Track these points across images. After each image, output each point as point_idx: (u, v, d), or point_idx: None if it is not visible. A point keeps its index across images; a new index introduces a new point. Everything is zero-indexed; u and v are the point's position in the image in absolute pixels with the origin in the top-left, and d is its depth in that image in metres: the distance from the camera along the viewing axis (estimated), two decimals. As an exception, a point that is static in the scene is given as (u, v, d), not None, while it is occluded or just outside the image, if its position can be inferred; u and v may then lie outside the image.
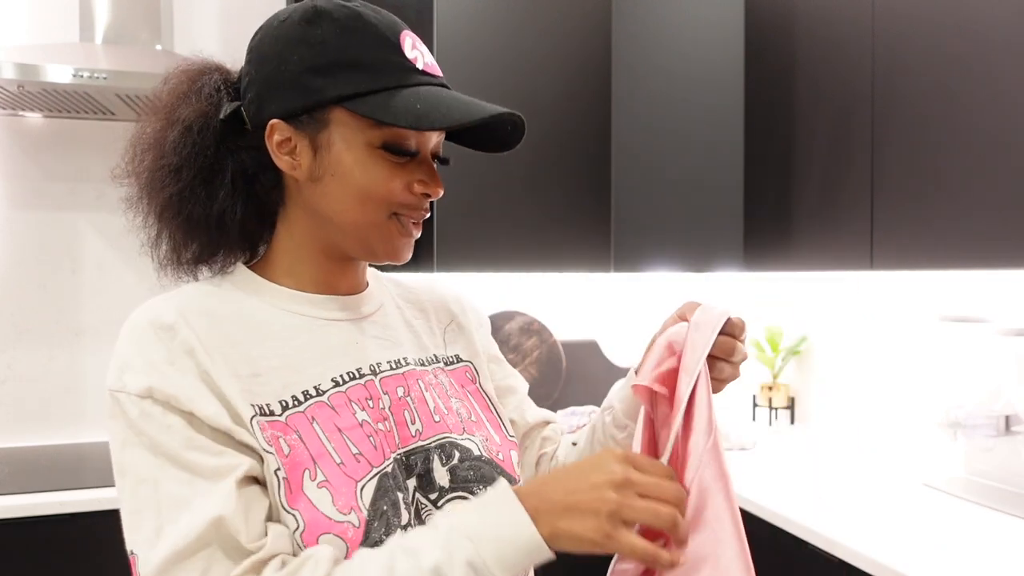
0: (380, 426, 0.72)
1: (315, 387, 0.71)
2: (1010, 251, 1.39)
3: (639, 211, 2.24)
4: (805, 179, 1.94)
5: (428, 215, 0.77)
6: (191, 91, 0.73)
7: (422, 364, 0.82)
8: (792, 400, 2.43)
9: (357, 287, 0.81)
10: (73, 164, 2.07)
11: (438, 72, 0.74)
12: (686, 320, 0.80)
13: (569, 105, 2.19)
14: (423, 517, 0.72)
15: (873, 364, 2.13)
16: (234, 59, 0.79)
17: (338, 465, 0.67)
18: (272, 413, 0.67)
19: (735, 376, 0.79)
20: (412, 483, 0.72)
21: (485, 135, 0.77)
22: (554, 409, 2.43)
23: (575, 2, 2.19)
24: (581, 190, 2.20)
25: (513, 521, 0.61)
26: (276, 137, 0.71)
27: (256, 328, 0.71)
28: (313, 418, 0.69)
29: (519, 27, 2.14)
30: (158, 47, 1.95)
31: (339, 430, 0.69)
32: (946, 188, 1.52)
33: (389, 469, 0.71)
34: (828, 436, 2.25)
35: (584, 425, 0.97)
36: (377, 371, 0.76)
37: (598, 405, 2.51)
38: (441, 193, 0.75)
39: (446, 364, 0.85)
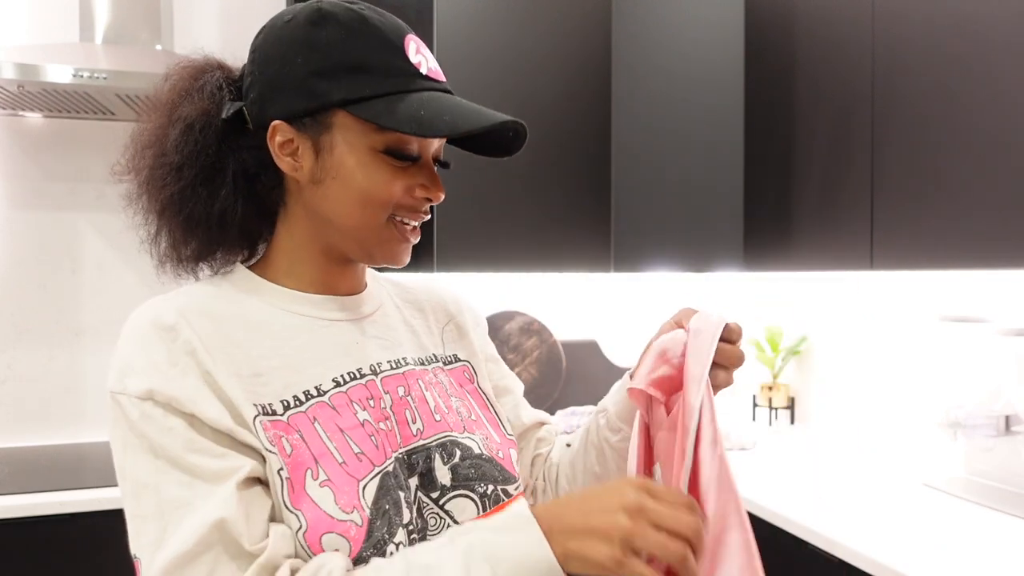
0: (382, 425, 0.73)
1: (316, 387, 0.71)
2: (1010, 251, 1.39)
3: (639, 211, 2.24)
4: (805, 179, 1.94)
5: (428, 218, 0.77)
6: (193, 88, 0.73)
7: (421, 364, 0.82)
8: (792, 400, 2.43)
9: (356, 288, 0.81)
10: (73, 164, 2.07)
11: (441, 77, 0.74)
12: (682, 327, 0.80)
13: (569, 105, 2.19)
14: (425, 516, 0.72)
15: (873, 364, 2.13)
16: (234, 58, 0.79)
17: (340, 464, 0.67)
18: (274, 413, 0.67)
19: (729, 383, 0.79)
20: (414, 482, 0.73)
21: (487, 141, 0.77)
22: (554, 409, 2.43)
23: (575, 2, 2.19)
24: (581, 190, 2.20)
25: (530, 544, 0.60)
26: (278, 138, 0.71)
27: (256, 328, 0.71)
28: (315, 418, 0.69)
29: (519, 27, 2.14)
30: (158, 47, 1.95)
31: (341, 430, 0.69)
32: (946, 188, 1.52)
33: (391, 468, 0.71)
34: (828, 436, 2.25)
35: (568, 432, 0.97)
36: (378, 371, 0.76)
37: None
38: (442, 197, 0.75)
39: (445, 363, 0.86)
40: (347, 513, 0.65)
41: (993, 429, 1.62)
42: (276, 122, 0.71)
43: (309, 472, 0.66)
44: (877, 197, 1.69)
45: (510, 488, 0.79)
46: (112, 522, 1.59)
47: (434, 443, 0.76)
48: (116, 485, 1.68)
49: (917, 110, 1.59)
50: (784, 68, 2.02)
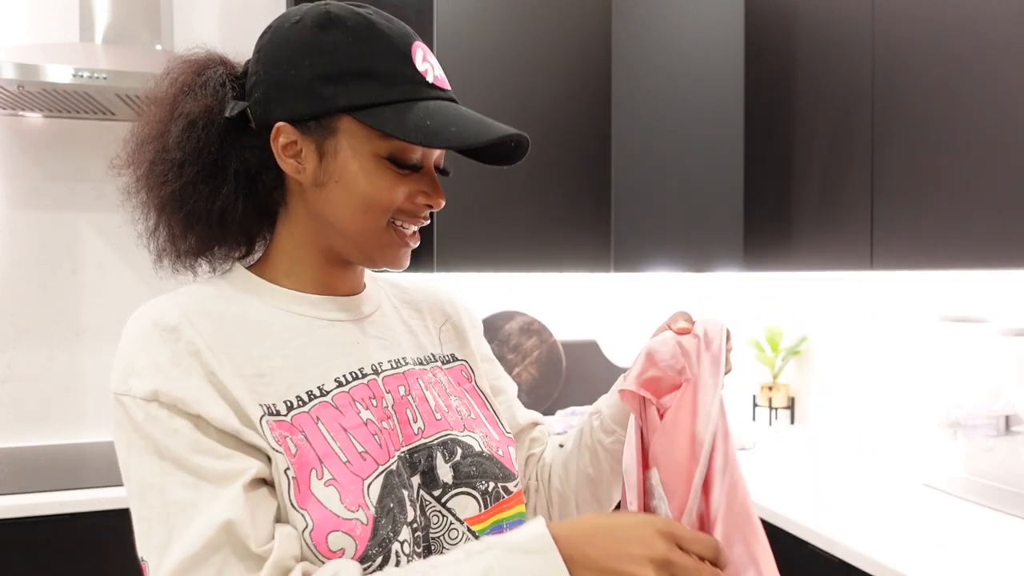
0: (384, 424, 0.73)
1: (319, 387, 0.71)
2: (1010, 251, 1.39)
3: (639, 211, 2.24)
4: (805, 179, 1.94)
5: (427, 223, 0.78)
6: (196, 84, 0.73)
7: (420, 363, 0.82)
8: (792, 400, 2.43)
9: (355, 288, 0.81)
10: (73, 164, 2.07)
11: (446, 85, 0.75)
12: (670, 329, 0.82)
13: (569, 105, 2.19)
14: (428, 514, 0.72)
15: (873, 364, 2.13)
16: (236, 53, 0.79)
17: (344, 464, 0.68)
18: (278, 413, 0.67)
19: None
20: (416, 480, 0.73)
21: (488, 150, 0.78)
22: (554, 409, 2.43)
23: (575, 2, 2.19)
24: (581, 190, 2.20)
25: (550, 569, 0.61)
26: (282, 140, 0.71)
27: (257, 329, 0.71)
28: (318, 418, 0.69)
29: (519, 27, 2.14)
30: (158, 47, 1.95)
31: (344, 429, 0.69)
32: (946, 188, 1.52)
33: (394, 467, 0.71)
34: (828, 436, 2.25)
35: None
36: (379, 370, 0.76)
37: (598, 405, 2.51)
38: (443, 204, 0.76)
39: (443, 363, 0.86)
40: (352, 512, 0.66)
41: (993, 429, 1.62)
42: (280, 124, 0.71)
43: (314, 472, 0.66)
44: (877, 197, 1.69)
45: (510, 485, 0.79)
46: (112, 522, 1.60)
47: (435, 441, 0.76)
48: (116, 485, 1.67)
49: (917, 110, 1.59)
50: (784, 68, 2.02)
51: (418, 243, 0.77)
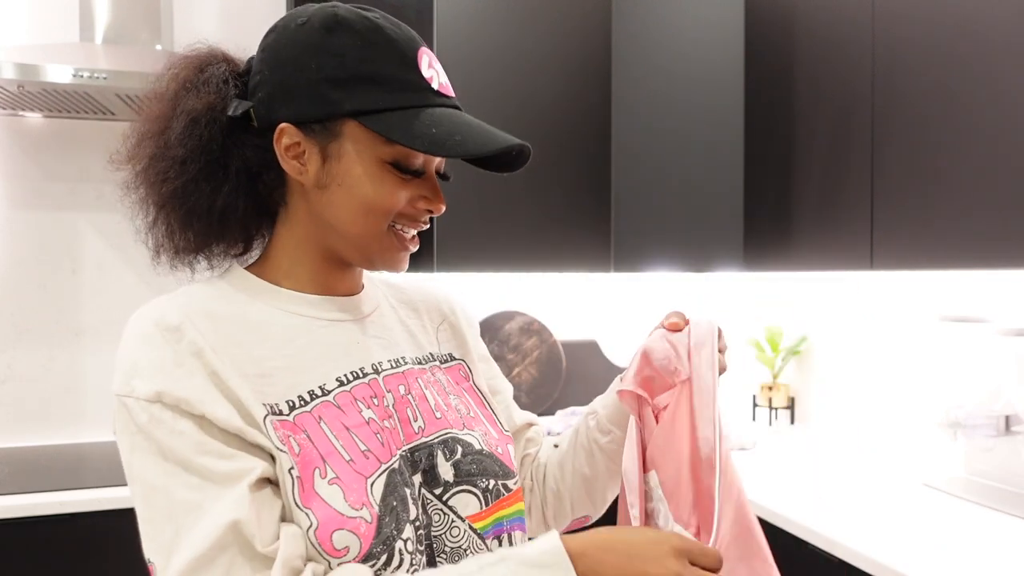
0: (386, 423, 0.73)
1: (320, 387, 0.71)
2: (1010, 251, 1.39)
3: (639, 211, 2.24)
4: (805, 179, 1.94)
5: (427, 227, 0.78)
6: (198, 81, 0.73)
7: (419, 363, 0.82)
8: (792, 400, 2.43)
9: (354, 289, 0.82)
10: (73, 164, 2.07)
11: (450, 92, 0.75)
12: (662, 326, 0.84)
13: (569, 105, 2.19)
14: (429, 512, 0.73)
15: (873, 364, 2.13)
16: (238, 49, 0.79)
17: (348, 462, 0.68)
18: (281, 413, 0.67)
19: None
20: (417, 479, 0.73)
21: (490, 157, 0.77)
22: (554, 409, 2.43)
23: (575, 2, 2.19)
24: (581, 190, 2.20)
25: None
26: (285, 141, 0.71)
27: (257, 329, 0.71)
28: (320, 417, 0.69)
29: (519, 27, 2.14)
30: (158, 47, 1.95)
31: (346, 428, 0.70)
32: (946, 188, 1.52)
33: (396, 465, 0.71)
34: (828, 436, 2.25)
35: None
36: (379, 370, 0.77)
37: (598, 405, 2.51)
38: (443, 209, 0.76)
39: (442, 362, 0.87)
40: (356, 510, 0.66)
41: (993, 429, 1.62)
42: (284, 125, 0.71)
43: (317, 471, 0.66)
44: (877, 197, 1.69)
45: (509, 483, 0.80)
46: (112, 522, 1.60)
47: (436, 440, 0.76)
48: (116, 485, 1.68)
49: (917, 110, 1.59)
50: (784, 68, 2.02)
51: (417, 247, 0.78)
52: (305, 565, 0.63)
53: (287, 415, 0.68)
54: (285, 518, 0.65)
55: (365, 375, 0.75)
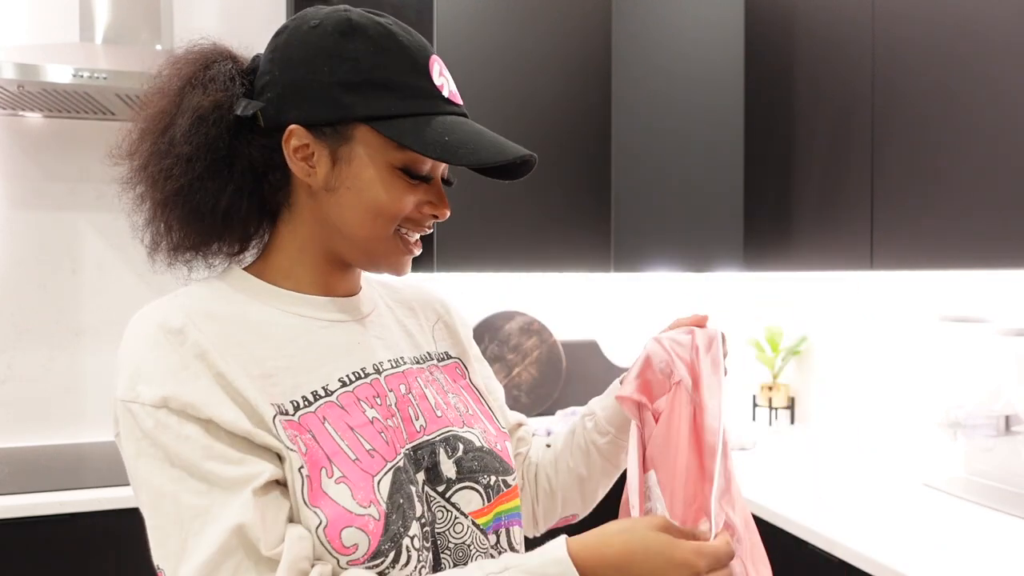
0: (389, 422, 0.74)
1: (323, 387, 0.71)
2: (1010, 251, 1.39)
3: (639, 211, 2.24)
4: (805, 179, 1.94)
5: (430, 232, 0.79)
6: (204, 77, 0.72)
7: (417, 362, 0.83)
8: (792, 400, 2.43)
9: (353, 290, 0.82)
10: (73, 164, 2.07)
11: (459, 100, 0.76)
12: (676, 324, 0.87)
13: (569, 105, 2.19)
14: (433, 509, 0.73)
15: (873, 364, 2.13)
16: (240, 45, 0.79)
17: (353, 461, 0.68)
18: (286, 413, 0.68)
19: None
20: (420, 477, 0.73)
21: (497, 166, 0.78)
22: (554, 409, 2.43)
23: (575, 2, 2.19)
24: (581, 190, 2.20)
25: None
26: (294, 142, 0.71)
27: (258, 330, 0.71)
28: (324, 418, 0.69)
29: (519, 27, 2.14)
30: (158, 47, 1.95)
31: (351, 428, 0.70)
32: (946, 188, 1.52)
33: (401, 463, 0.72)
34: (828, 436, 2.25)
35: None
36: (380, 370, 0.77)
37: (598, 405, 2.51)
38: (448, 215, 0.77)
39: (439, 361, 0.87)
40: (365, 508, 0.66)
41: (993, 429, 1.62)
42: (293, 126, 0.71)
43: (324, 471, 0.66)
44: (877, 197, 1.69)
45: (509, 479, 0.81)
46: (112, 522, 1.60)
47: (437, 438, 0.77)
48: (116, 485, 1.68)
49: (917, 110, 1.59)
50: (784, 68, 2.02)
51: (420, 251, 0.79)
52: (312, 567, 0.63)
53: (292, 415, 0.68)
54: (293, 519, 0.65)
55: (367, 375, 0.75)
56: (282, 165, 0.73)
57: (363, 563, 0.65)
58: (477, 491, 0.77)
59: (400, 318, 0.87)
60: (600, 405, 0.92)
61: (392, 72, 0.70)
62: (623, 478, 0.83)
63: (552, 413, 2.40)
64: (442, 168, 0.77)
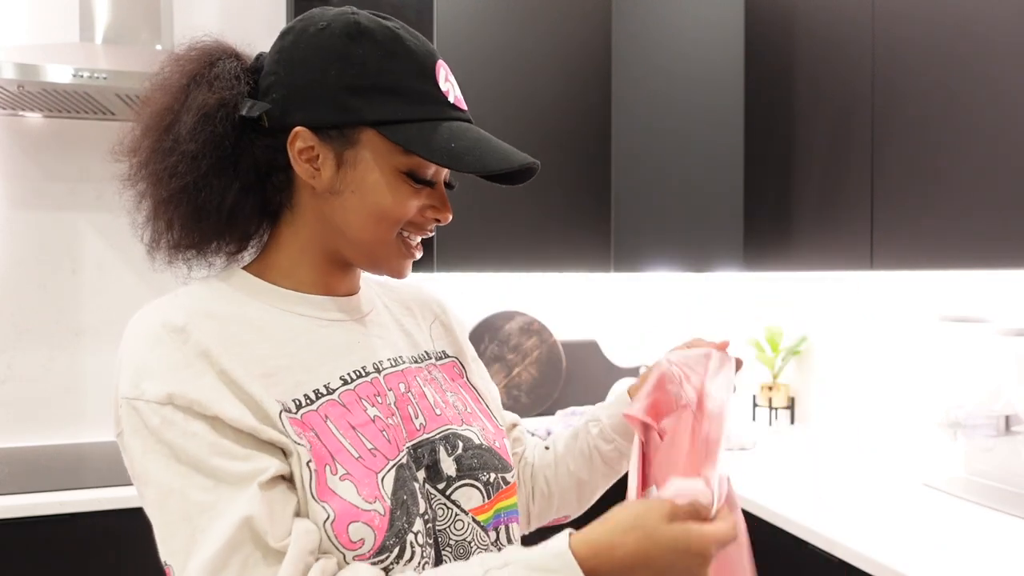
0: (390, 421, 0.74)
1: (325, 386, 0.71)
2: (1010, 251, 1.39)
3: (639, 211, 2.24)
4: (805, 179, 1.94)
5: (432, 235, 0.80)
6: (209, 75, 0.72)
7: (416, 361, 0.84)
8: (792, 400, 2.43)
9: (353, 289, 0.82)
10: (73, 164, 2.07)
11: (464, 106, 0.76)
12: (693, 344, 0.87)
13: (569, 105, 2.19)
14: (434, 506, 0.74)
15: (873, 364, 2.13)
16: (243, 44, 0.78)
17: (356, 459, 0.68)
18: (290, 411, 0.68)
19: None
20: (421, 475, 0.74)
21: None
22: (554, 409, 2.43)
23: (575, 2, 2.19)
24: (581, 190, 2.20)
25: None
26: (299, 144, 0.71)
27: (259, 329, 0.71)
28: (326, 416, 0.69)
29: (519, 27, 2.14)
30: (158, 47, 1.95)
31: (352, 427, 0.70)
32: (946, 188, 1.52)
33: (404, 461, 0.72)
34: (828, 436, 2.25)
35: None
36: (380, 368, 0.77)
37: (598, 405, 2.51)
38: (450, 219, 0.78)
39: (437, 359, 0.88)
40: (370, 504, 0.66)
41: (993, 429, 1.61)
42: (299, 128, 0.71)
43: (328, 468, 0.66)
44: (877, 197, 1.69)
45: (508, 476, 0.81)
46: (112, 522, 1.60)
47: (437, 436, 0.77)
48: (116, 485, 1.67)
49: (917, 110, 1.59)
50: (784, 68, 2.02)
51: (421, 254, 0.79)
52: (317, 560, 0.63)
53: (295, 413, 0.68)
54: (300, 513, 0.65)
55: (367, 374, 0.75)
56: (285, 166, 0.73)
57: (368, 559, 0.66)
58: (477, 488, 0.77)
59: (398, 317, 0.87)
60: (606, 413, 0.93)
61: (399, 77, 0.71)
62: (622, 478, 0.83)
63: (552, 413, 2.40)
64: (445, 172, 0.78)
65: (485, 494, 0.78)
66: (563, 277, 2.55)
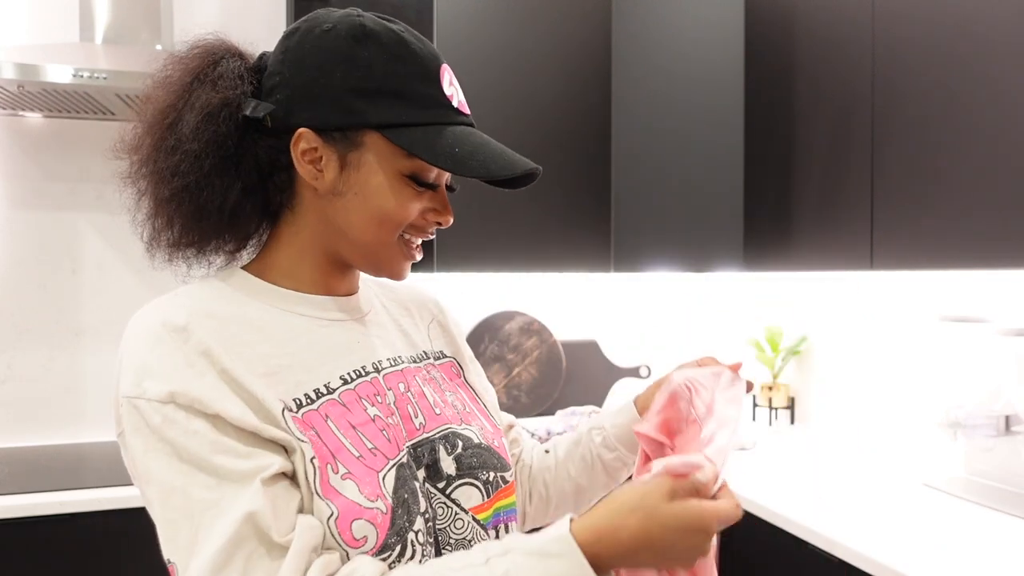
0: (390, 420, 0.74)
1: (325, 385, 0.72)
2: (1010, 251, 1.39)
3: (639, 211, 2.24)
4: (805, 179, 1.94)
5: (432, 238, 0.80)
6: (212, 74, 0.72)
7: (414, 361, 0.84)
8: (792, 400, 2.43)
9: (352, 290, 0.83)
10: (73, 164, 2.07)
11: (467, 110, 0.77)
12: (699, 363, 0.87)
13: (569, 105, 2.19)
14: (434, 505, 0.74)
15: (873, 364, 2.13)
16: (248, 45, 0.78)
17: (357, 459, 0.69)
18: (291, 410, 0.68)
19: None
20: (421, 474, 0.74)
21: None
22: (554, 409, 2.43)
23: (575, 2, 2.19)
24: (581, 190, 2.20)
25: (572, 570, 0.59)
26: (302, 145, 0.71)
27: (260, 329, 0.72)
28: (327, 415, 0.70)
29: (519, 27, 2.14)
30: (158, 47, 1.95)
31: (353, 427, 0.70)
32: (946, 188, 1.52)
33: (404, 460, 0.72)
34: (828, 436, 2.25)
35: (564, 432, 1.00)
36: (380, 368, 0.78)
37: (598, 405, 2.52)
38: (451, 221, 0.78)
39: (435, 359, 0.88)
40: (372, 502, 0.67)
41: (993, 429, 1.61)
42: (303, 130, 0.71)
43: (329, 467, 0.66)
44: (877, 197, 1.69)
45: (506, 474, 0.82)
46: (112, 522, 1.60)
47: (437, 435, 0.77)
48: (116, 485, 1.67)
49: (917, 110, 1.59)
50: (784, 68, 2.02)
51: (422, 256, 0.80)
52: (319, 556, 0.63)
53: (296, 412, 0.68)
54: (304, 509, 0.65)
55: (367, 373, 0.76)
56: (288, 166, 0.73)
57: (371, 556, 0.66)
58: (477, 487, 0.77)
59: (396, 317, 0.88)
60: (611, 422, 0.93)
61: (404, 80, 0.71)
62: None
63: (552, 413, 2.40)
64: (447, 176, 0.78)
65: (484, 493, 0.78)
66: (563, 277, 2.55)
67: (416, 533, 0.69)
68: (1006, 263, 1.40)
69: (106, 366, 2.08)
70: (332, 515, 0.64)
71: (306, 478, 0.65)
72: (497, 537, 0.79)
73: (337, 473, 0.66)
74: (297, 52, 0.72)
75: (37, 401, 2.04)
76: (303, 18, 0.76)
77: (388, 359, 0.79)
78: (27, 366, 2.04)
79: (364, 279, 0.87)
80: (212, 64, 0.73)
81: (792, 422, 2.43)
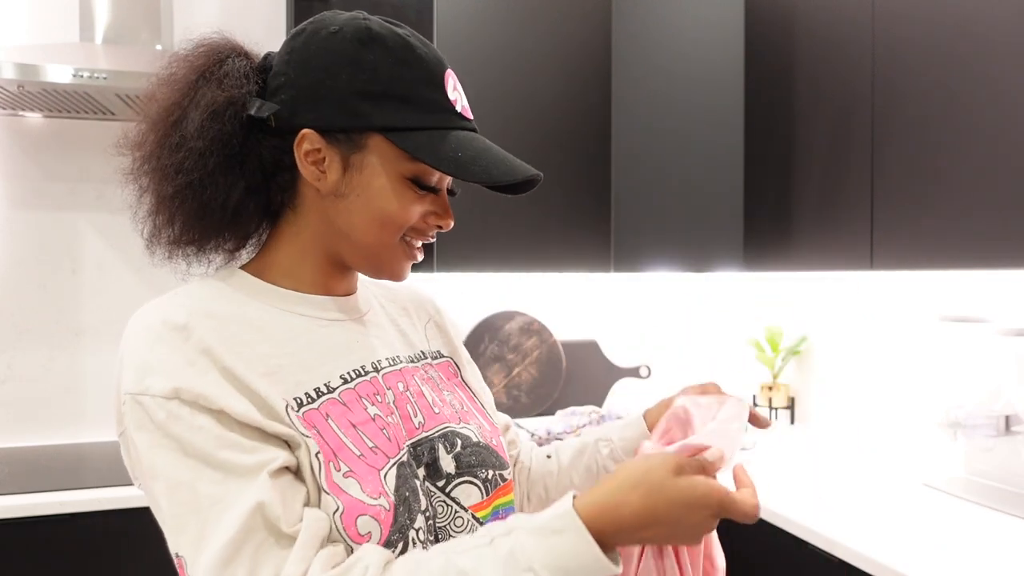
0: (389, 419, 0.74)
1: (325, 384, 0.72)
2: (1010, 251, 1.39)
3: (639, 211, 2.24)
4: (805, 179, 1.94)
5: (433, 240, 0.81)
6: (218, 73, 0.72)
7: (412, 360, 0.84)
8: (792, 400, 2.43)
9: (351, 290, 0.83)
10: (73, 164, 2.07)
11: (470, 115, 0.77)
12: (710, 392, 0.89)
13: (569, 105, 2.19)
14: (434, 504, 0.74)
15: (873, 364, 2.13)
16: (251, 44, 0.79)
17: (358, 457, 0.69)
18: (293, 408, 0.68)
19: None
20: (421, 472, 0.74)
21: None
22: (554, 409, 2.43)
23: (575, 2, 2.19)
24: (581, 190, 2.20)
25: (579, 551, 0.59)
26: (306, 146, 0.72)
27: (260, 329, 0.72)
28: (327, 415, 0.70)
29: (519, 27, 2.14)
30: (158, 47, 1.95)
31: (353, 425, 0.71)
32: (946, 188, 1.52)
33: (405, 458, 0.73)
34: (828, 436, 2.25)
35: (568, 433, 1.00)
36: (379, 368, 0.78)
37: (598, 405, 2.52)
38: (452, 225, 0.79)
39: (432, 359, 0.89)
40: (375, 499, 0.67)
41: (993, 429, 1.62)
42: (306, 130, 0.71)
43: (331, 464, 0.67)
44: (877, 197, 1.69)
45: (505, 473, 0.82)
46: (112, 522, 1.60)
47: (436, 434, 0.78)
48: (116, 485, 1.67)
49: (917, 110, 1.59)
50: (784, 68, 2.02)
51: (422, 257, 0.80)
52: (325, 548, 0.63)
53: (296, 411, 0.68)
54: (310, 503, 0.65)
55: (367, 373, 0.76)
56: (291, 166, 0.73)
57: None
58: (476, 485, 0.78)
59: (394, 317, 0.88)
60: (619, 435, 0.93)
61: (409, 84, 0.72)
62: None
63: (552, 413, 2.40)
64: (448, 180, 0.79)
65: (484, 491, 0.78)
66: (563, 277, 2.55)
67: (417, 531, 0.70)
68: (1006, 263, 1.40)
69: (106, 366, 2.08)
70: (338, 510, 0.65)
71: (312, 473, 0.65)
72: None
73: (339, 471, 0.67)
74: (303, 53, 0.73)
75: (37, 401, 2.04)
76: (309, 20, 0.76)
77: (387, 359, 0.80)
78: (27, 366, 2.04)
79: (362, 279, 0.88)
80: (218, 63, 0.73)
81: (792, 422, 2.43)
